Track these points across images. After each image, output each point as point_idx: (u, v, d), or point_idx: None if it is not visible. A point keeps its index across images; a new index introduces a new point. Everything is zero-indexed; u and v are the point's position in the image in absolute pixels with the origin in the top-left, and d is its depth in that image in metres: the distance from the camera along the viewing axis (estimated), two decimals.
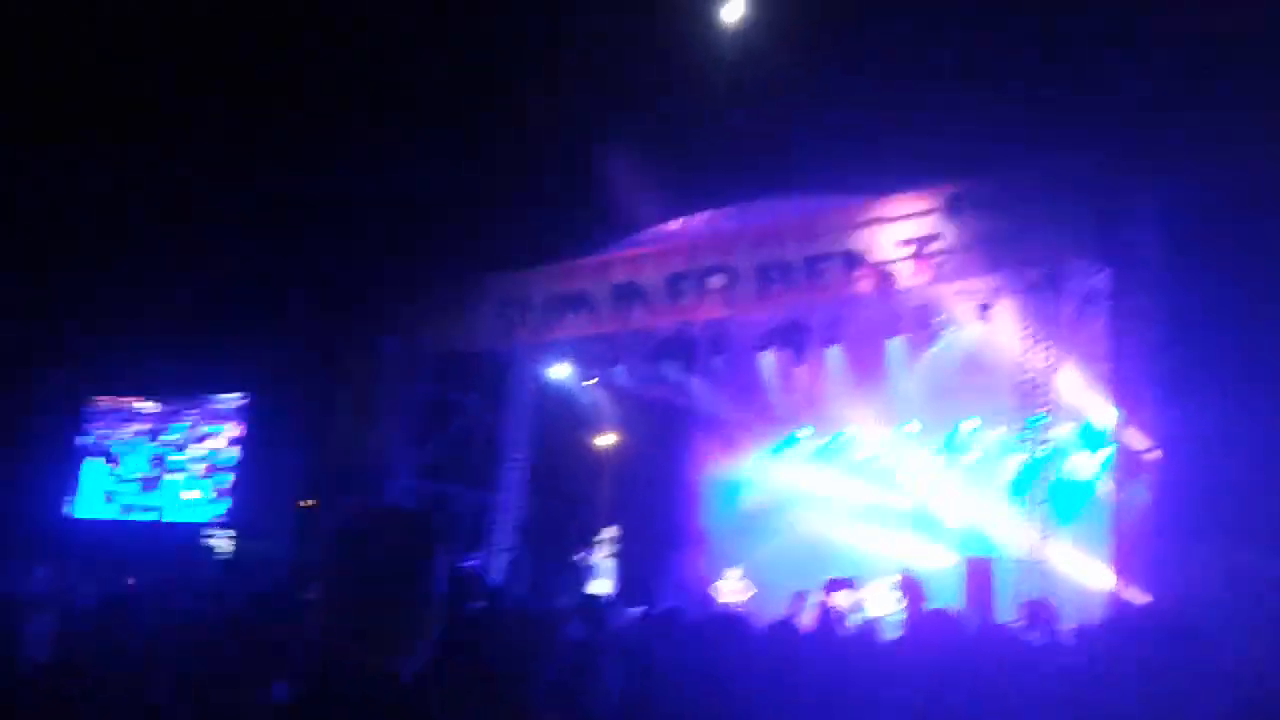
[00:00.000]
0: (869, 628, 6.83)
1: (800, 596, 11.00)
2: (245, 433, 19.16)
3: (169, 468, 19.65)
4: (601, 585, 15.90)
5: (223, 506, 19.06)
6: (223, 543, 19.07)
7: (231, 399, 19.41)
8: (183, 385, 19.70)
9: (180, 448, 19.65)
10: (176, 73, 15.41)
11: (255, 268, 18.34)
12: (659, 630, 4.05)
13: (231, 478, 19.09)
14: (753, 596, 15.13)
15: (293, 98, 15.71)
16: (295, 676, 3.81)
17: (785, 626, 5.30)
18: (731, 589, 15.67)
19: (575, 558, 16.60)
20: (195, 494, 19.33)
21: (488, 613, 6.29)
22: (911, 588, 13.89)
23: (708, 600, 15.07)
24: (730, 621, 3.56)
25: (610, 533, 16.65)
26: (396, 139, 15.87)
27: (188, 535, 18.96)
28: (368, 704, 1.65)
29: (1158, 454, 11.20)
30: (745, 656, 3.39)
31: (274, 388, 19.05)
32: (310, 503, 18.42)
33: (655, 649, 3.73)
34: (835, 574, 14.29)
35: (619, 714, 3.40)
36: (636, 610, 13.02)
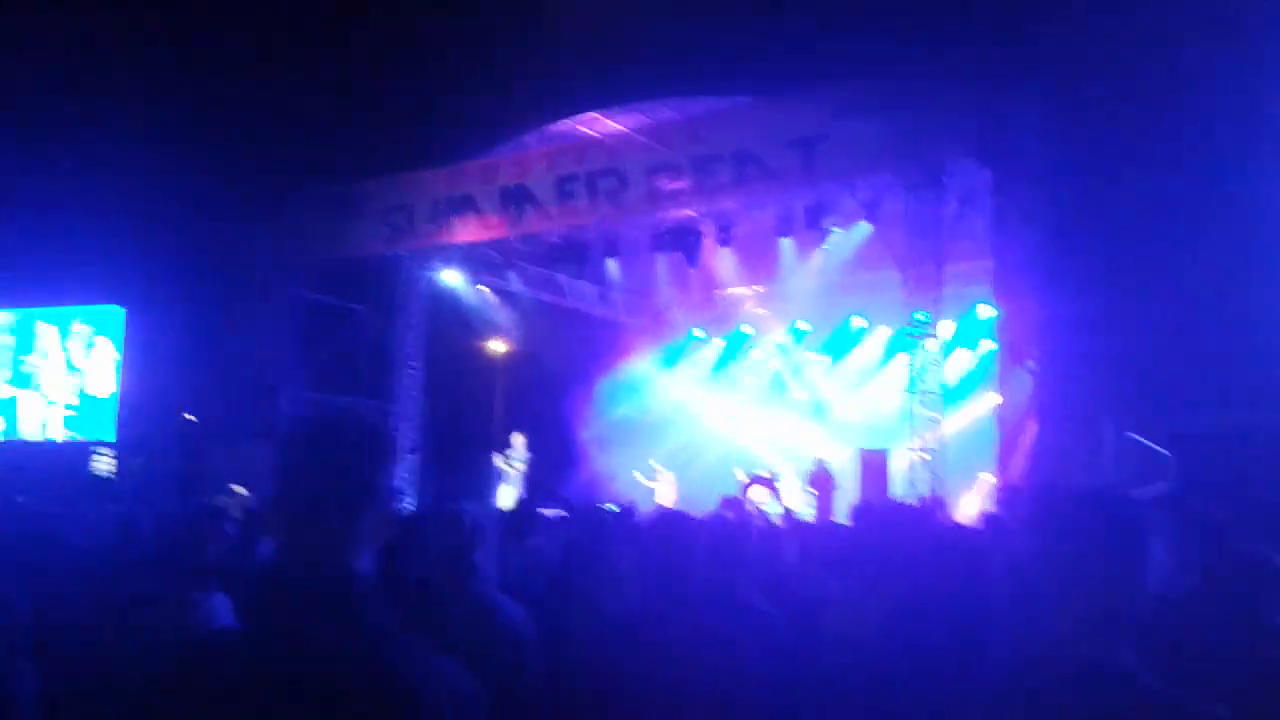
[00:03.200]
0: (791, 521, 7.06)
1: (727, 500, 11.25)
2: (122, 345, 18.40)
3: (32, 383, 18.80)
4: (508, 491, 15.99)
5: (104, 422, 18.39)
6: (106, 461, 18.46)
7: (105, 311, 18.55)
8: (51, 296, 18.73)
9: (50, 362, 18.77)
10: None
11: (128, 176, 17.38)
12: (621, 532, 4.04)
13: (111, 393, 18.39)
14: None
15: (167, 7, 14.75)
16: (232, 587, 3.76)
17: (724, 524, 5.43)
18: (660, 487, 16.03)
19: (489, 463, 16.61)
20: (65, 412, 18.57)
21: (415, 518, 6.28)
22: (822, 480, 14.40)
23: (622, 502, 15.24)
24: (680, 521, 3.58)
25: (518, 440, 16.68)
26: (271, 46, 15.09)
27: (70, 453, 18.30)
28: (329, 595, 1.69)
29: (1033, 364, 11.68)
30: (693, 553, 3.44)
31: (151, 300, 18.28)
32: (190, 417, 17.95)
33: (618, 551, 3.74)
34: (746, 470, 14.85)
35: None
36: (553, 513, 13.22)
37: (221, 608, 3.74)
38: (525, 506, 6.14)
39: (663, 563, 3.39)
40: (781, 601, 3.85)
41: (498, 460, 16.57)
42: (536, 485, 16.22)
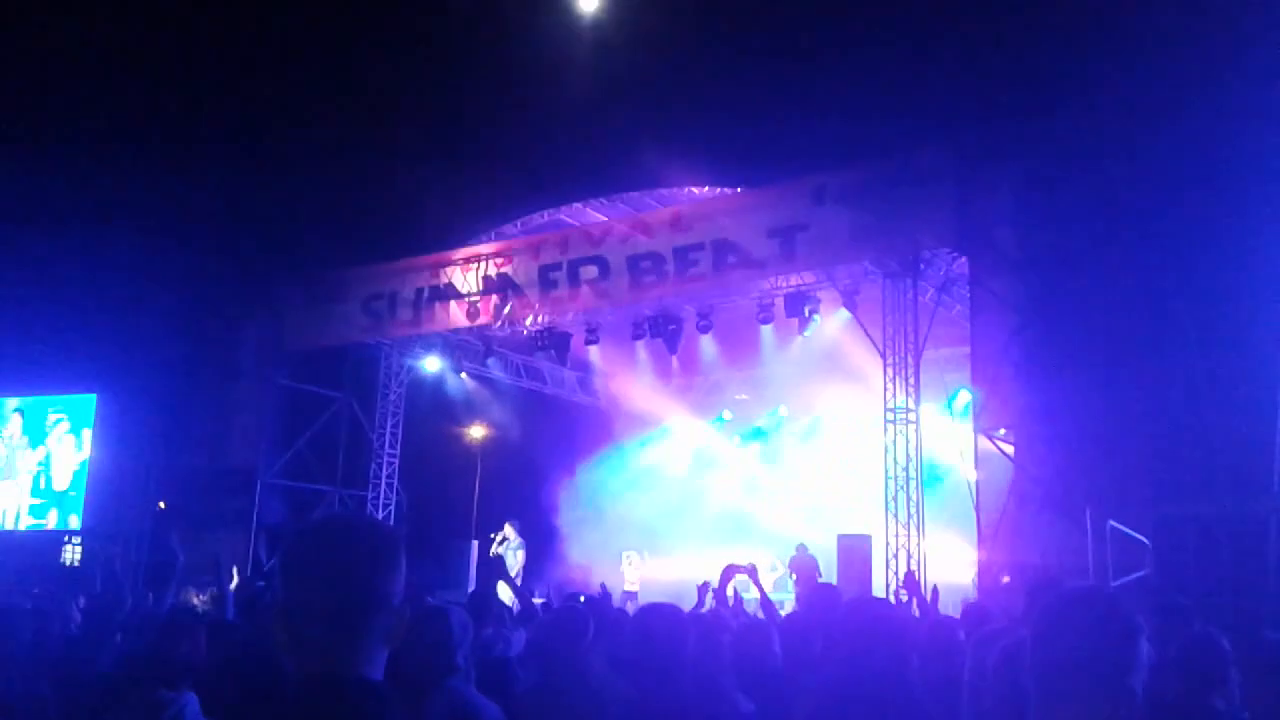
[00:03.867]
0: (770, 611, 6.98)
1: (704, 587, 11.14)
2: (96, 434, 18.15)
3: (10, 471, 18.48)
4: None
5: (74, 510, 18.06)
6: (76, 550, 18.09)
7: (80, 399, 18.35)
8: (26, 384, 18.52)
9: (23, 449, 18.49)
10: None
11: (104, 265, 17.39)
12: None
13: (82, 481, 18.08)
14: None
15: (152, 96, 14.96)
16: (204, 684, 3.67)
17: (709, 618, 5.38)
18: (633, 573, 15.89)
19: (466, 551, 16.46)
20: (41, 500, 18.24)
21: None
22: (805, 566, 14.28)
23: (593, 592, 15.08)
24: (668, 614, 3.53)
25: (510, 529, 16.56)
26: (257, 134, 15.30)
27: (41, 542, 17.92)
28: (352, 710, 1.67)
29: (1005, 432, 11.75)
30: (682, 646, 3.39)
31: (125, 387, 18.10)
32: (163, 505, 17.66)
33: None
34: (728, 559, 14.65)
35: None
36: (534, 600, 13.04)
37: (191, 707, 3.66)
38: (480, 594, 6.07)
39: (650, 654, 3.34)
40: (761, 695, 3.80)
41: (495, 548, 16.43)
42: (494, 573, 16.03)
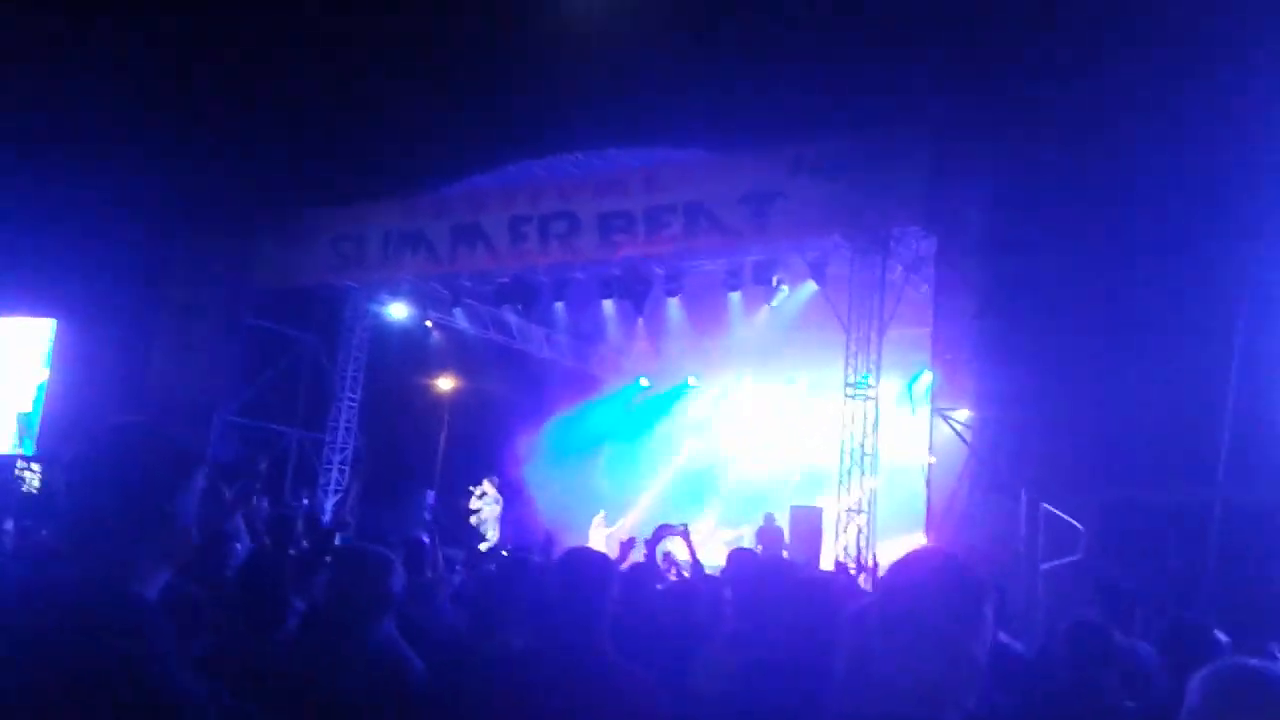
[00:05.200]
0: (698, 572, 7.00)
1: (629, 543, 11.15)
2: (54, 359, 17.93)
3: None
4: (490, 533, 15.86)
5: (29, 437, 17.88)
6: (35, 476, 17.92)
7: (39, 323, 18.10)
8: None
9: None
10: None
11: (71, 185, 17.07)
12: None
13: (37, 407, 17.89)
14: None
15: (126, 25, 14.64)
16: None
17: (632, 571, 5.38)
18: (598, 532, 15.95)
19: (423, 499, 16.44)
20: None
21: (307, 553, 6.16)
22: (771, 535, 14.32)
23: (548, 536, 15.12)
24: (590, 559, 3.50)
25: (489, 484, 16.55)
26: (233, 69, 15.01)
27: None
28: (102, 620, 1.62)
29: (967, 413, 11.79)
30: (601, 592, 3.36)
31: (85, 314, 17.85)
32: None
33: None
34: (670, 520, 14.73)
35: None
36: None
37: None
38: (416, 543, 6.06)
39: (567, 600, 3.29)
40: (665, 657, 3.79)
41: (474, 501, 16.44)
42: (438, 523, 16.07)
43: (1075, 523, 9.20)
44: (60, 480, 1.80)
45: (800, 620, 2.90)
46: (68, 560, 1.69)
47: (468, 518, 16.51)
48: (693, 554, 6.59)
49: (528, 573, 4.51)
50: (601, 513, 16.99)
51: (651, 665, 3.43)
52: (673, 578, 8.35)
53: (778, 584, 3.08)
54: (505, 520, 17.66)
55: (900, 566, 1.96)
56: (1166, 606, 7.18)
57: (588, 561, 3.42)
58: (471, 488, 16.54)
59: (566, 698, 2.97)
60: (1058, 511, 9.11)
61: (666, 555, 9.36)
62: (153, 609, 1.70)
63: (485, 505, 16.55)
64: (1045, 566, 8.73)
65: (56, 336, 17.79)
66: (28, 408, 18.02)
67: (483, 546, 15.53)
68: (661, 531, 6.34)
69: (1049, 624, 7.26)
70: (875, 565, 10.92)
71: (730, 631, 3.14)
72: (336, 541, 5.55)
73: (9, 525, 6.71)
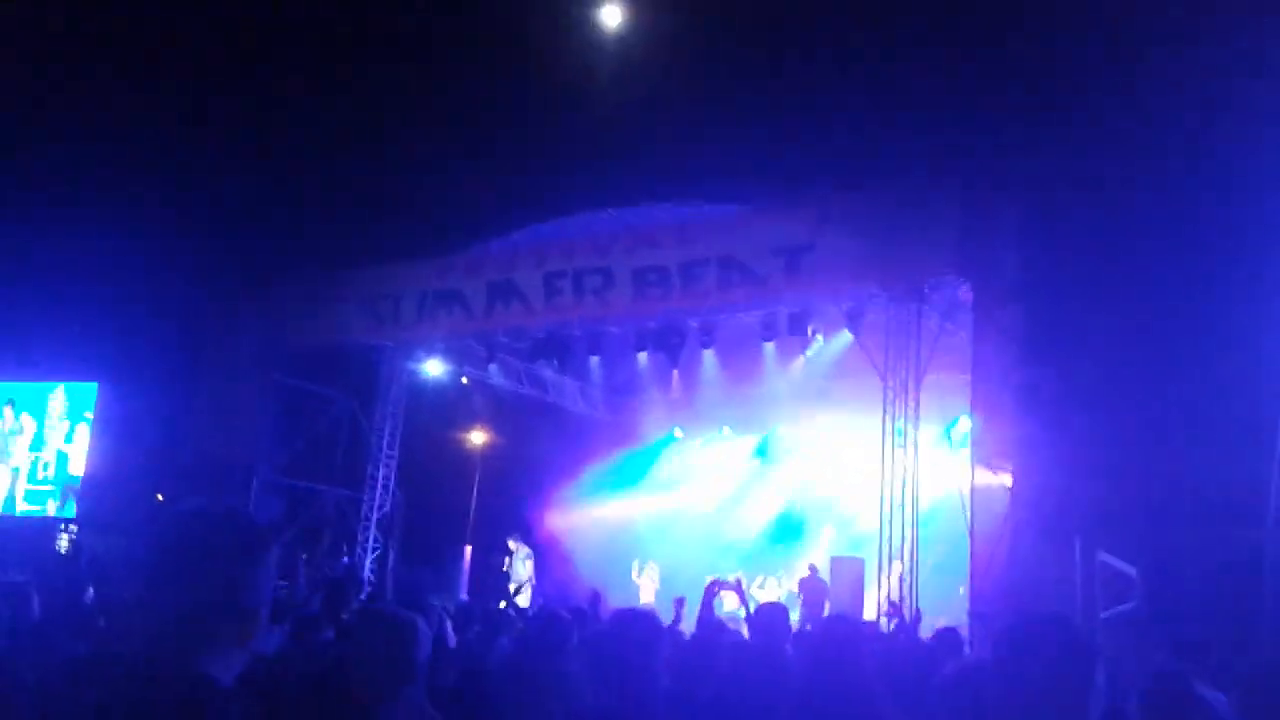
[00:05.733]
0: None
1: (680, 601, 11.09)
2: (96, 422, 18.16)
3: (8, 457, 18.50)
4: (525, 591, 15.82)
5: (71, 500, 18.07)
6: (70, 540, 18.09)
7: (81, 387, 18.37)
8: (28, 370, 18.55)
9: (24, 436, 18.51)
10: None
11: (113, 251, 17.42)
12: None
13: (80, 471, 18.09)
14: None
15: (158, 87, 15.00)
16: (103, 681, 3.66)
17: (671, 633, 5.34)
18: (645, 585, 15.89)
19: (502, 566, 16.47)
20: (40, 487, 18.25)
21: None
22: (814, 587, 14.22)
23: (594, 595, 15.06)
24: (642, 621, 3.48)
25: (513, 543, 16.53)
26: (267, 128, 15.32)
27: (36, 531, 17.91)
28: (183, 706, 1.63)
29: (1009, 466, 11.71)
30: (653, 656, 3.34)
31: (127, 377, 18.11)
32: (161, 498, 17.62)
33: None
34: (718, 574, 14.67)
35: None
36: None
37: None
38: (468, 604, 6.06)
39: (620, 663, 3.29)
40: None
41: (507, 562, 16.40)
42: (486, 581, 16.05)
43: (1129, 569, 9.08)
44: (137, 561, 1.82)
45: (884, 688, 2.90)
46: (145, 645, 1.72)
47: (501, 578, 16.43)
48: (748, 608, 6.56)
49: (575, 632, 4.51)
50: (636, 561, 16.89)
51: None
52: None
53: (858, 650, 3.08)
54: (544, 577, 17.61)
55: (1015, 631, 1.97)
56: (1228, 655, 7.07)
57: (636, 623, 3.42)
58: (510, 544, 16.49)
59: None
60: (1113, 559, 9.00)
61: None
62: (224, 693, 1.71)
63: (516, 561, 16.49)
64: (1105, 615, 8.61)
65: (98, 399, 18.03)
66: (72, 471, 18.24)
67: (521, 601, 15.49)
68: (715, 586, 6.31)
69: (1112, 673, 7.12)
70: (918, 617, 10.83)
71: (804, 701, 3.13)
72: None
73: (89, 594, 6.74)
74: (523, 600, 15.25)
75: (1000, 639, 2.00)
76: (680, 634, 6.24)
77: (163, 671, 1.67)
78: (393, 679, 3.24)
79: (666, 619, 6.01)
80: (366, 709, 3.15)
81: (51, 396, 18.52)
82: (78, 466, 18.14)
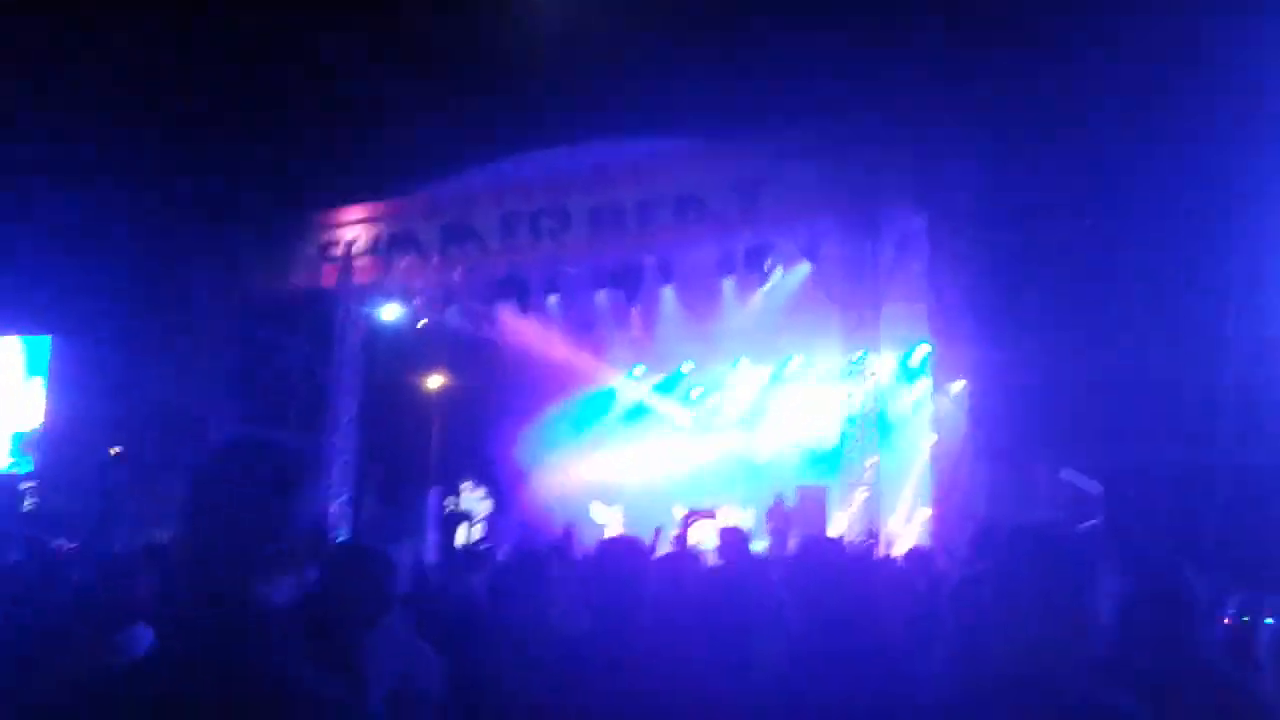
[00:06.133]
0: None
1: (657, 531, 11.27)
2: (51, 376, 17.85)
3: None
4: (474, 529, 15.85)
5: (27, 453, 17.81)
6: (30, 496, 17.85)
7: (35, 340, 18.02)
8: None
9: None
10: None
11: (61, 202, 16.98)
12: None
13: (36, 425, 17.82)
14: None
15: (110, 37, 14.54)
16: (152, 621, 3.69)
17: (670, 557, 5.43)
18: (608, 521, 16.00)
19: (447, 504, 16.41)
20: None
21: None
22: (780, 516, 14.44)
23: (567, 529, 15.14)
24: (630, 548, 3.55)
25: (467, 484, 16.50)
26: (214, 74, 14.93)
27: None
28: (241, 631, 1.69)
29: (963, 384, 11.94)
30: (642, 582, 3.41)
31: (81, 329, 17.78)
32: (118, 450, 17.42)
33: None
34: (689, 505, 14.88)
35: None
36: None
37: (142, 639, 3.66)
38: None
39: (609, 591, 3.36)
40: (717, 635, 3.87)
41: (452, 501, 16.37)
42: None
43: (1094, 485, 9.34)
44: (186, 493, 1.84)
45: (875, 605, 2.99)
46: (196, 577, 1.75)
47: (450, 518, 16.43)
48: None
49: (563, 561, 4.59)
50: (599, 504, 17.00)
51: (707, 650, 3.51)
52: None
53: (843, 571, 3.16)
54: (510, 517, 17.71)
55: (1012, 540, 2.03)
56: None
57: (626, 550, 3.50)
58: (446, 500, 16.43)
59: (625, 679, 3.04)
60: (1076, 476, 9.25)
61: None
62: (279, 612, 1.76)
63: (472, 502, 16.46)
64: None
65: (53, 353, 17.72)
66: (23, 426, 17.95)
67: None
68: (691, 516, 6.41)
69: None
70: (883, 539, 11.09)
71: (797, 619, 3.21)
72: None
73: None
74: (464, 535, 15.32)
75: (996, 549, 2.06)
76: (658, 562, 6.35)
77: (219, 596, 1.72)
78: (370, 609, 3.31)
79: None
80: (349, 637, 3.20)
81: (4, 351, 18.16)
82: (33, 421, 17.87)
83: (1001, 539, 2.07)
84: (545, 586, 4.12)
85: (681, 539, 6.02)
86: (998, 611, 1.94)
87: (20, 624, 4.06)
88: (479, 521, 16.15)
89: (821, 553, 3.41)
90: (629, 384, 19.96)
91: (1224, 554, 8.58)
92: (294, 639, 1.79)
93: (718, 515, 6.20)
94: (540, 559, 4.68)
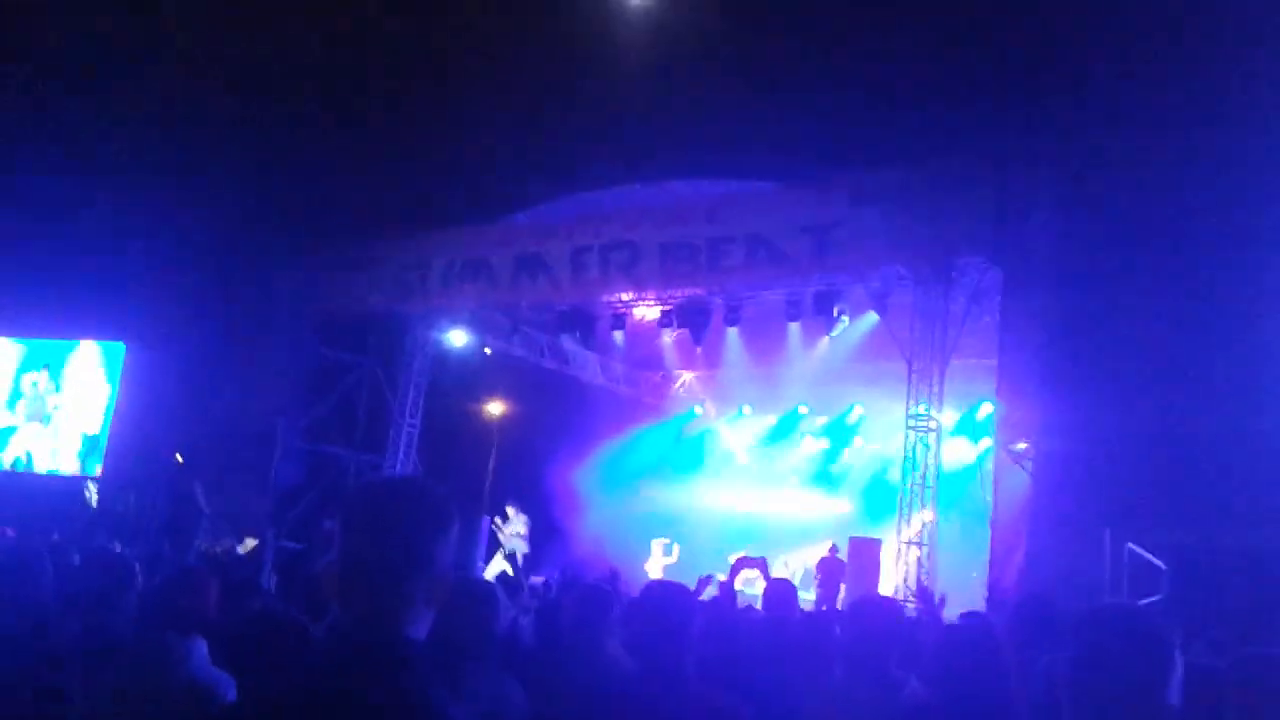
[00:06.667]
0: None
1: (706, 579, 11.12)
2: (123, 382, 18.30)
3: (37, 413, 18.68)
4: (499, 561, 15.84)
5: (95, 458, 18.24)
6: (94, 496, 18.26)
7: (110, 346, 18.52)
8: (56, 327, 18.68)
9: (49, 392, 18.67)
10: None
11: (141, 212, 17.49)
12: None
13: (105, 428, 18.26)
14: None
15: (199, 49, 15.04)
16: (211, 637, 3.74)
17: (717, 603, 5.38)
18: (656, 562, 15.94)
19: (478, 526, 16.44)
20: (65, 443, 18.44)
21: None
22: (832, 567, 14.25)
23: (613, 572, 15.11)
24: (676, 594, 3.55)
25: (511, 510, 16.52)
26: (300, 98, 15.35)
27: (59, 486, 18.10)
28: (389, 665, 1.74)
29: (1028, 447, 11.66)
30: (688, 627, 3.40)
31: (154, 338, 18.23)
32: (180, 459, 17.75)
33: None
34: (741, 551, 14.71)
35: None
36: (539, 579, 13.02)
37: (199, 653, 3.70)
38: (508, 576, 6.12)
39: (656, 635, 3.34)
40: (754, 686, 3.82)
41: (497, 524, 16.40)
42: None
43: (1159, 563, 9.06)
44: (333, 529, 1.91)
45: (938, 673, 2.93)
46: (341, 608, 1.82)
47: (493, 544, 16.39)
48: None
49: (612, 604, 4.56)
50: (661, 541, 16.92)
51: (748, 698, 3.47)
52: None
53: (894, 633, 3.11)
54: (558, 551, 17.71)
55: (1092, 624, 1.99)
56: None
57: (671, 594, 3.48)
58: (494, 520, 16.38)
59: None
60: (1142, 551, 8.98)
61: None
62: (423, 649, 1.83)
63: (512, 530, 16.42)
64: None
65: (126, 360, 18.16)
66: (95, 429, 18.41)
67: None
68: (740, 564, 6.34)
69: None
70: (942, 601, 10.83)
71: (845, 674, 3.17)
72: None
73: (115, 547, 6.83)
74: (496, 567, 15.28)
75: (1076, 633, 2.01)
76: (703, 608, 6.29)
77: (368, 634, 1.77)
78: (476, 643, 3.33)
79: None
80: (460, 669, 3.22)
81: (80, 355, 18.69)
82: (102, 426, 18.32)
83: (1079, 617, 2.02)
84: (605, 625, 4.10)
85: (728, 586, 5.96)
86: (1079, 697, 1.90)
87: (85, 628, 4.12)
88: (514, 550, 16.12)
89: (875, 611, 3.36)
90: (691, 424, 19.91)
91: None
92: (437, 676, 1.84)
93: (770, 564, 6.13)
94: (605, 597, 4.66)
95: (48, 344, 18.90)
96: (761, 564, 6.56)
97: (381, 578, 1.80)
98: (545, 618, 5.58)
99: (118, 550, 8.11)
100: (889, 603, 4.76)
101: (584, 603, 4.10)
